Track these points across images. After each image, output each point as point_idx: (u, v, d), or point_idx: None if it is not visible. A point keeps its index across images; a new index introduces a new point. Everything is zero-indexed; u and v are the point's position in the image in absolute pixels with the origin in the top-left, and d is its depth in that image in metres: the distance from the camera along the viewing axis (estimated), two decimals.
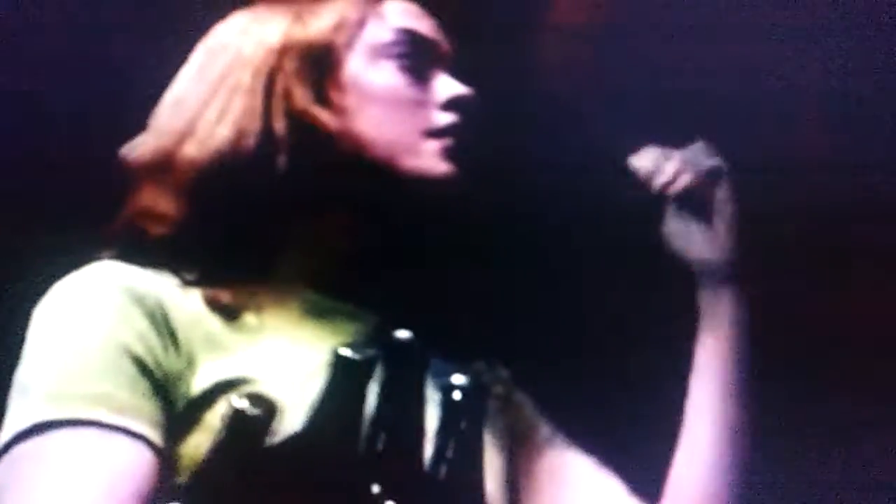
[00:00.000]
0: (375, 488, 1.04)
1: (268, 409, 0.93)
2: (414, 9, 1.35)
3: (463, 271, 1.34)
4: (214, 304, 1.18)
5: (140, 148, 1.28)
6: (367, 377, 0.98)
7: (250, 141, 1.23)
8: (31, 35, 1.83)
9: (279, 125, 1.23)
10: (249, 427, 0.93)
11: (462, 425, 1.14)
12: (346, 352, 0.96)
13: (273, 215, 1.24)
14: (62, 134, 1.81)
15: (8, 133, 1.81)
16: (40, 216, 1.79)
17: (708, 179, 1.38)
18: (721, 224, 1.39)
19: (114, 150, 1.30)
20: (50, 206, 1.79)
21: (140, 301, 1.14)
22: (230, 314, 1.18)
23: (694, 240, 1.39)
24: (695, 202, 1.39)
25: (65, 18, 1.83)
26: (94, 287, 1.16)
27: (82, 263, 1.20)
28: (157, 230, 1.22)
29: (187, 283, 1.20)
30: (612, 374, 1.51)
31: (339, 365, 0.96)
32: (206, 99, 1.27)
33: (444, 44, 1.35)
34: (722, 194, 1.39)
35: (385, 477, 1.05)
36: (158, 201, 1.23)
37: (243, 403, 0.93)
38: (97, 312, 1.13)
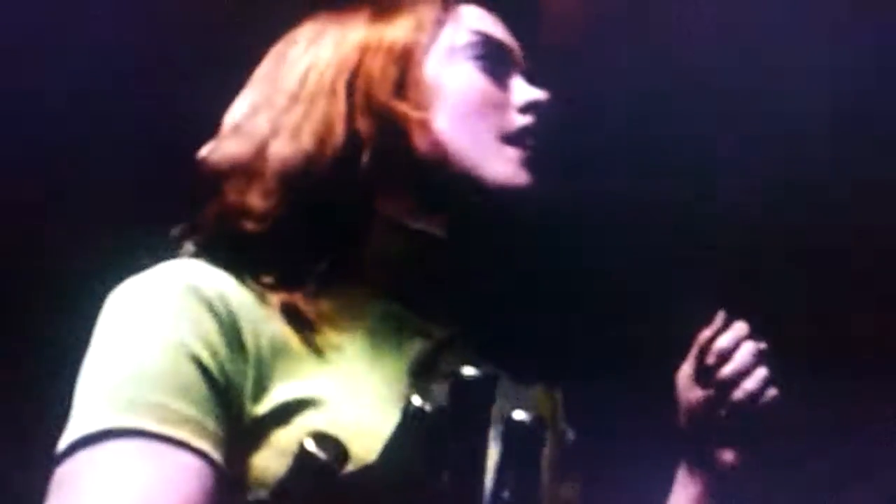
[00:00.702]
0: None
1: (337, 453, 0.93)
2: (488, 15, 1.35)
3: (534, 287, 1.34)
4: (289, 311, 1.17)
5: (224, 148, 1.27)
6: (437, 425, 0.97)
7: (336, 140, 1.23)
8: (98, 29, 1.83)
9: (363, 124, 1.23)
10: (318, 469, 0.93)
11: (521, 462, 1.14)
12: (418, 401, 0.96)
13: (355, 216, 1.24)
14: (146, 134, 1.81)
15: (84, 131, 1.81)
16: (122, 212, 1.79)
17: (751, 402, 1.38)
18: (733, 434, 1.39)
19: (190, 150, 1.30)
20: (127, 202, 1.79)
21: (209, 304, 1.13)
22: (304, 324, 1.18)
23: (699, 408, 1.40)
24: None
25: (134, 18, 1.82)
26: (161, 287, 1.15)
27: (159, 262, 1.19)
28: (247, 226, 1.22)
29: (265, 287, 1.19)
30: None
31: (411, 413, 0.96)
32: (289, 100, 1.27)
33: (518, 49, 1.35)
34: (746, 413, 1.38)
35: None
36: (249, 197, 1.23)
37: (313, 446, 0.93)
38: (163, 314, 1.12)
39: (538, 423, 1.17)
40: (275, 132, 1.25)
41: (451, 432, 1.06)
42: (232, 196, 1.23)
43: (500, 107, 1.29)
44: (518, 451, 1.13)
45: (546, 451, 1.21)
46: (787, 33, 1.93)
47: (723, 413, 1.39)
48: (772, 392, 1.38)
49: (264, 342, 1.14)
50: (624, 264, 1.75)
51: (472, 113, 1.28)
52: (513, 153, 1.27)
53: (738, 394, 1.38)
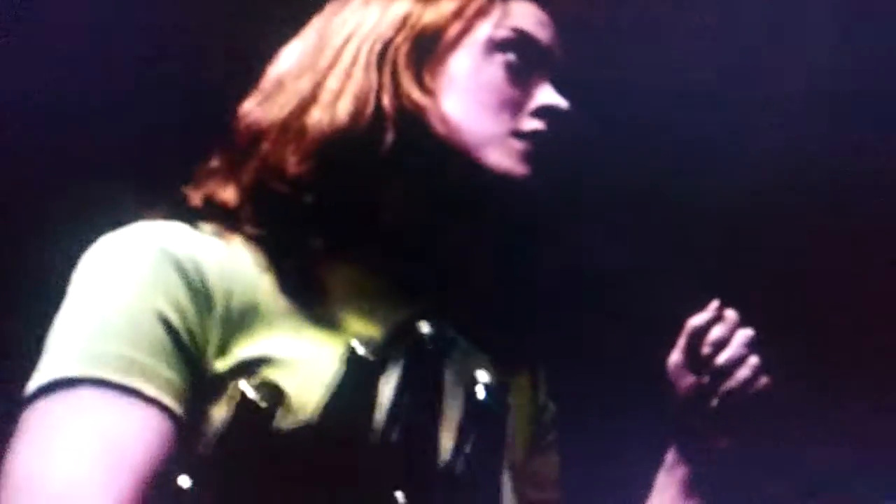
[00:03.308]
0: (388, 479, 1.05)
1: (273, 398, 0.94)
2: (540, 15, 1.35)
3: (515, 269, 1.34)
4: (290, 276, 1.19)
5: (267, 107, 1.29)
6: (378, 373, 0.98)
7: (367, 116, 1.24)
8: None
9: (388, 103, 1.25)
10: (254, 412, 0.95)
11: (484, 423, 1.14)
12: (359, 348, 0.96)
13: (371, 193, 1.25)
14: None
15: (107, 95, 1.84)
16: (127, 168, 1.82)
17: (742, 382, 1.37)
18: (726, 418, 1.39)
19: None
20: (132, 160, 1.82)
21: (178, 264, 1.14)
22: (299, 290, 1.19)
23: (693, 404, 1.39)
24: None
25: None
26: (133, 246, 1.16)
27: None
28: (280, 188, 1.23)
29: (269, 247, 1.21)
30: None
31: (352, 360, 0.97)
32: (331, 64, 1.28)
33: (557, 54, 1.35)
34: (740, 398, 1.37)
35: (398, 468, 1.06)
36: (286, 160, 1.24)
37: (248, 389, 0.94)
38: (132, 272, 1.14)
39: (500, 384, 1.18)
40: (315, 97, 1.26)
41: (401, 388, 1.07)
42: (270, 157, 1.25)
43: (518, 107, 1.29)
44: (481, 410, 1.14)
45: (511, 413, 1.21)
46: (786, 29, 1.92)
47: (715, 401, 1.38)
48: (763, 380, 1.38)
49: (235, 303, 1.16)
50: (619, 255, 1.75)
51: (487, 107, 1.28)
52: (517, 146, 1.28)
53: (731, 382, 1.37)
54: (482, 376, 1.16)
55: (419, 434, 1.08)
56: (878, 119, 1.94)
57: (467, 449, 1.12)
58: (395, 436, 1.06)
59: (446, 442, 1.12)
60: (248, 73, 1.34)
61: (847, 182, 2.03)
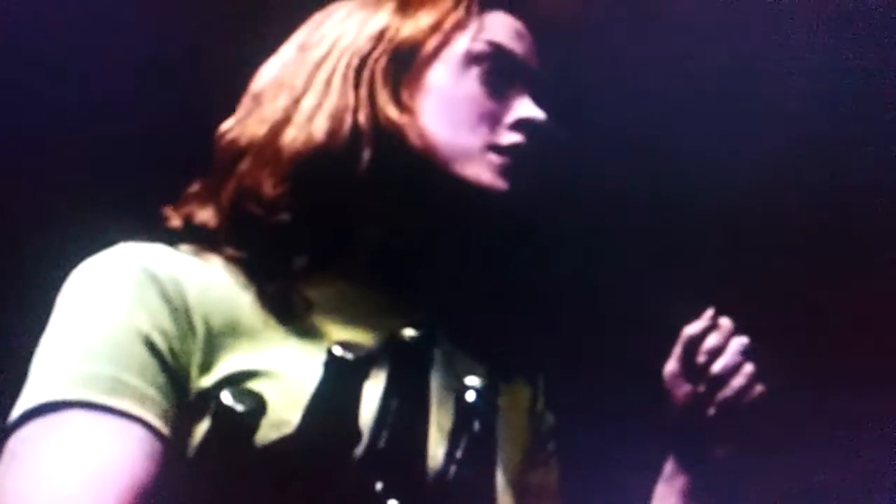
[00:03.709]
0: (378, 486, 1.03)
1: (254, 406, 0.93)
2: (517, 27, 1.34)
3: (498, 279, 1.33)
4: (270, 296, 1.19)
5: (243, 127, 1.28)
6: (360, 376, 0.96)
7: (343, 134, 1.24)
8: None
9: (364, 121, 1.24)
10: (235, 422, 0.93)
11: (474, 427, 1.13)
12: (339, 350, 0.95)
13: (349, 211, 1.25)
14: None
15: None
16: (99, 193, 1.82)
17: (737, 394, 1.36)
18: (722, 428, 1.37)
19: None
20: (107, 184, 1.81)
21: (160, 285, 1.15)
22: (281, 309, 1.19)
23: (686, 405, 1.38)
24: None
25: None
26: (115, 269, 1.17)
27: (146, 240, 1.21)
28: (255, 210, 1.22)
29: (249, 268, 1.20)
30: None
31: (332, 364, 0.95)
32: (307, 80, 1.28)
33: (535, 67, 1.34)
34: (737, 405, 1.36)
35: (387, 475, 1.04)
36: (262, 182, 1.24)
37: (229, 399, 0.92)
38: (115, 294, 1.15)
39: (489, 385, 1.16)
40: (290, 116, 1.26)
41: (387, 394, 1.06)
42: (247, 179, 1.24)
43: (495, 120, 1.29)
44: (470, 412, 1.12)
45: (500, 414, 1.20)
46: (783, 30, 1.92)
47: (711, 409, 1.37)
48: (759, 388, 1.37)
49: (216, 321, 1.16)
50: (610, 261, 1.74)
51: (464, 121, 1.28)
52: (495, 160, 1.27)
53: (726, 390, 1.36)
54: (470, 380, 1.14)
55: (408, 440, 1.06)
56: (878, 124, 1.94)
57: (459, 454, 1.11)
58: (382, 442, 1.04)
59: (437, 447, 1.11)
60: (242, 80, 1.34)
61: (845, 188, 2.02)
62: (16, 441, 1.09)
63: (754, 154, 2.00)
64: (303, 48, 1.32)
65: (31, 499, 1.04)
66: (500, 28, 1.33)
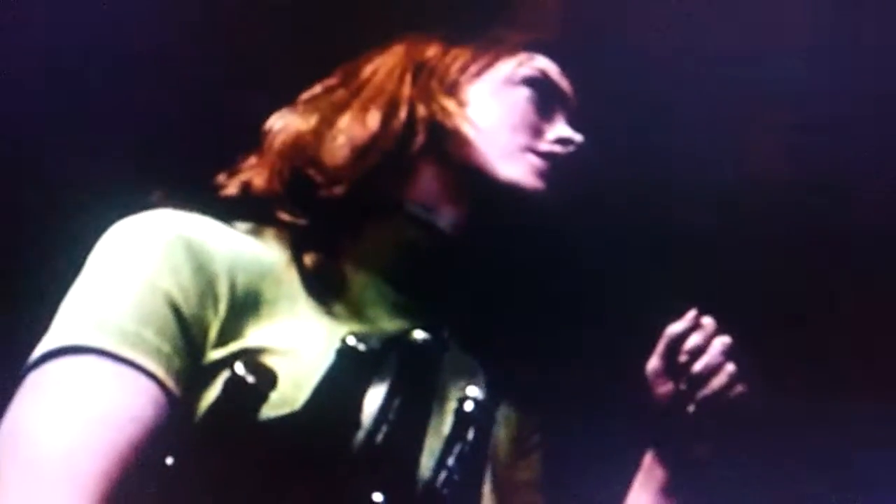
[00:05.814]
0: (368, 479, 1.06)
1: (266, 379, 0.96)
2: (558, 68, 1.44)
3: (525, 284, 1.36)
4: (311, 270, 1.23)
5: (293, 119, 1.35)
6: (370, 369, 0.99)
7: (399, 121, 1.31)
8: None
9: (422, 110, 1.32)
10: (245, 393, 0.96)
11: (469, 436, 1.15)
12: (353, 340, 0.98)
13: (389, 197, 1.30)
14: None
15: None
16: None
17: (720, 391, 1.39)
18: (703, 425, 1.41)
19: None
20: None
21: (191, 251, 1.18)
22: (317, 284, 1.23)
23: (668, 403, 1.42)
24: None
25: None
26: (151, 229, 1.20)
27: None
28: (317, 177, 1.28)
29: (291, 244, 1.25)
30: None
31: (345, 352, 0.98)
32: (359, 84, 1.37)
33: (574, 100, 1.43)
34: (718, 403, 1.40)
35: (376, 469, 1.07)
36: (324, 156, 1.30)
37: (242, 370, 0.95)
38: (147, 253, 1.17)
39: (490, 399, 1.19)
40: (344, 107, 1.34)
41: (392, 391, 1.08)
42: (309, 150, 1.30)
43: (536, 131, 1.38)
44: (468, 423, 1.15)
45: (496, 430, 1.22)
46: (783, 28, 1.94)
47: (692, 407, 1.40)
48: (740, 388, 1.40)
49: (241, 293, 1.19)
50: (610, 261, 1.76)
51: (506, 127, 1.35)
52: (534, 161, 1.33)
53: (707, 389, 1.39)
54: (472, 391, 1.17)
55: (404, 439, 1.09)
56: (879, 124, 1.95)
57: (450, 461, 1.13)
58: (380, 437, 1.07)
59: (431, 451, 1.14)
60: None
61: (835, 192, 2.03)
62: (34, 378, 1.11)
63: (750, 155, 2.01)
64: (347, 71, 1.40)
65: (37, 434, 1.07)
66: (546, 62, 1.42)
